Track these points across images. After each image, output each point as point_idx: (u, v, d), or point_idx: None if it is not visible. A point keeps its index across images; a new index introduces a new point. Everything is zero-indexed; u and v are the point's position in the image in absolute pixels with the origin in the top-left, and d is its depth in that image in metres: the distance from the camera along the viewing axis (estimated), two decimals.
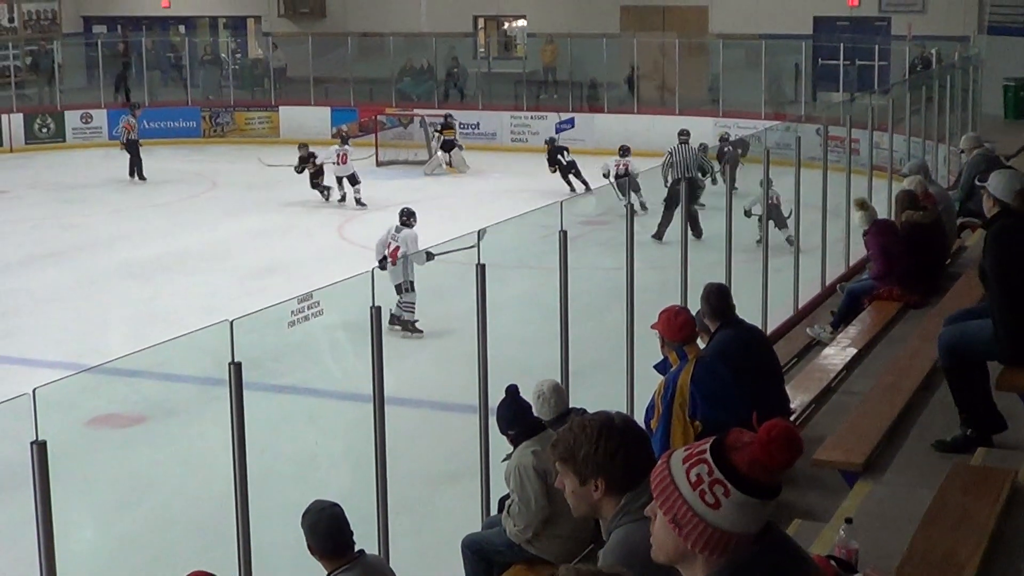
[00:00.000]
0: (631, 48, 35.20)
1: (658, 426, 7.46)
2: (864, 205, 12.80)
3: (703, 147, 23.66)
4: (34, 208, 26.79)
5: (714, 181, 21.95)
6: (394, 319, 15.97)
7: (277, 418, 12.69)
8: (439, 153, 30.71)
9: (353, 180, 26.13)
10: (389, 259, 16.85)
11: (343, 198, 26.24)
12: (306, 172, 26.78)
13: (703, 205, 20.21)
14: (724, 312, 8.60)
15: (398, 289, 16.19)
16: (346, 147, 26.69)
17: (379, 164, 31.24)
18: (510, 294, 13.64)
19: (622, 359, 10.82)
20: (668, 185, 20.72)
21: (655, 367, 7.84)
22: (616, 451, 4.07)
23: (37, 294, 19.73)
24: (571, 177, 27.03)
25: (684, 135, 23.63)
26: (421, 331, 16.15)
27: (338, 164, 26.22)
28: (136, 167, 29.92)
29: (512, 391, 8.01)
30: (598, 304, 13.59)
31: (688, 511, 3.04)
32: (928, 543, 5.80)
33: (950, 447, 7.55)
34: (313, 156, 26.87)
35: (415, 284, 16.26)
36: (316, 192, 26.55)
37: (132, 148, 30.15)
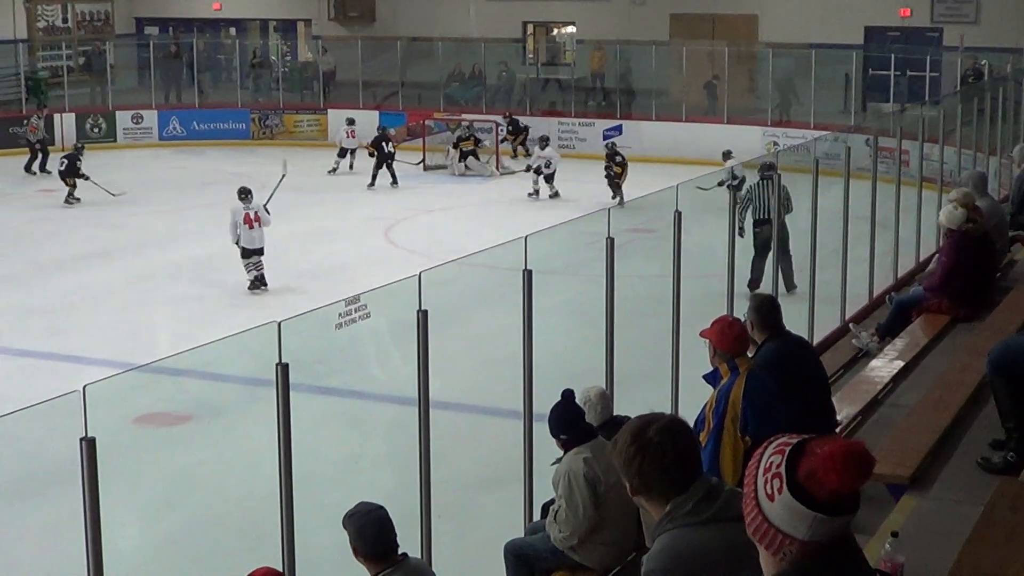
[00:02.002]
0: (680, 56, 35.15)
1: (708, 440, 7.35)
2: (966, 203, 12.20)
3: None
4: (85, 207, 26.98)
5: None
6: (259, 281, 19.73)
7: (320, 420, 12.72)
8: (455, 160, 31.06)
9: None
10: (246, 225, 19.85)
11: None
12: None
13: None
14: (774, 324, 8.53)
15: (261, 250, 19.78)
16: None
17: (426, 168, 31.33)
18: (556, 300, 13.64)
19: (667, 367, 10.80)
20: (743, 226, 16.87)
21: (704, 377, 7.78)
22: (650, 459, 4.02)
23: (87, 293, 19.88)
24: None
25: (768, 170, 17.58)
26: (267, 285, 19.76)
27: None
28: (38, 163, 31.35)
29: (568, 396, 7.97)
30: (643, 312, 13.58)
31: (753, 493, 3.03)
32: (975, 559, 5.75)
33: (994, 468, 7.50)
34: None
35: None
36: (364, 194, 26.57)
37: (42, 146, 31.51)
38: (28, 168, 31.57)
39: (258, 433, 9.91)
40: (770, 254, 14.99)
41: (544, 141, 28.58)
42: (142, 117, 36.09)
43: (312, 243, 23.36)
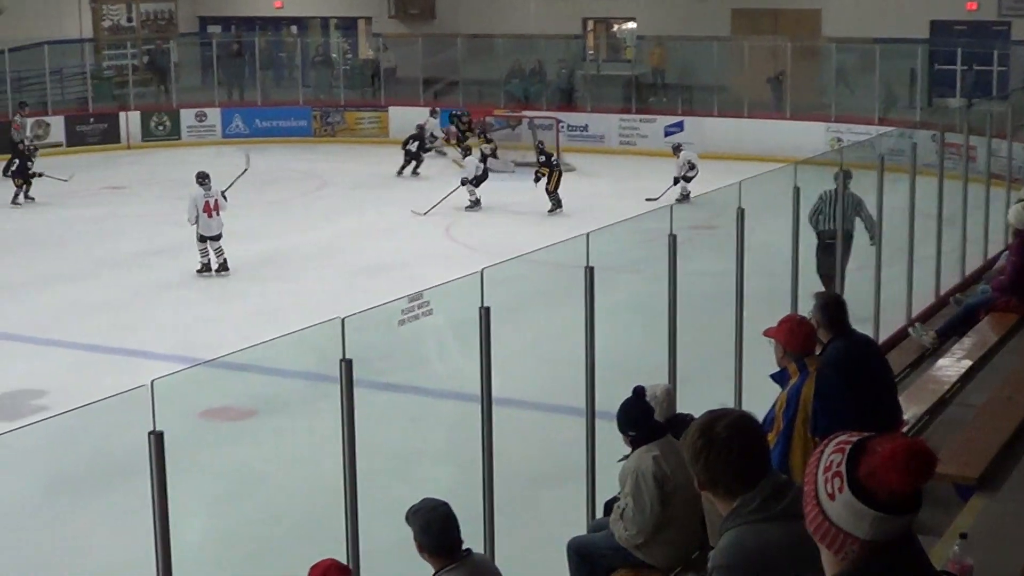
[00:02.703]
0: (742, 51, 35.00)
1: (777, 441, 7.30)
2: None
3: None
4: (150, 204, 27.20)
5: (872, 240, 14.46)
6: (206, 268, 20.63)
7: (383, 416, 12.76)
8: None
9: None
10: (205, 213, 20.63)
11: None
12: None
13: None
14: (840, 323, 8.47)
15: (220, 236, 20.57)
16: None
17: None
18: (617, 297, 13.61)
19: (730, 365, 10.77)
20: (817, 236, 15.60)
21: (772, 377, 7.73)
22: (717, 454, 4.02)
23: (152, 288, 20.05)
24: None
25: (848, 177, 15.04)
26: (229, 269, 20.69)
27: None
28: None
29: (639, 392, 7.95)
30: (706, 309, 13.52)
31: (814, 492, 3.02)
32: None
33: None
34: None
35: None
36: (425, 191, 26.59)
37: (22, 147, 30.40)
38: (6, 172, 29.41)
39: (321, 428, 9.95)
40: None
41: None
42: (205, 115, 36.35)
43: (374, 240, 23.45)
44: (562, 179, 26.20)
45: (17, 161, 27.36)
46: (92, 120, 35.39)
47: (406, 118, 34.92)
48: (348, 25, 43.73)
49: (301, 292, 19.39)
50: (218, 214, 20.73)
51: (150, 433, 5.71)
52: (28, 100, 35.13)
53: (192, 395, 12.13)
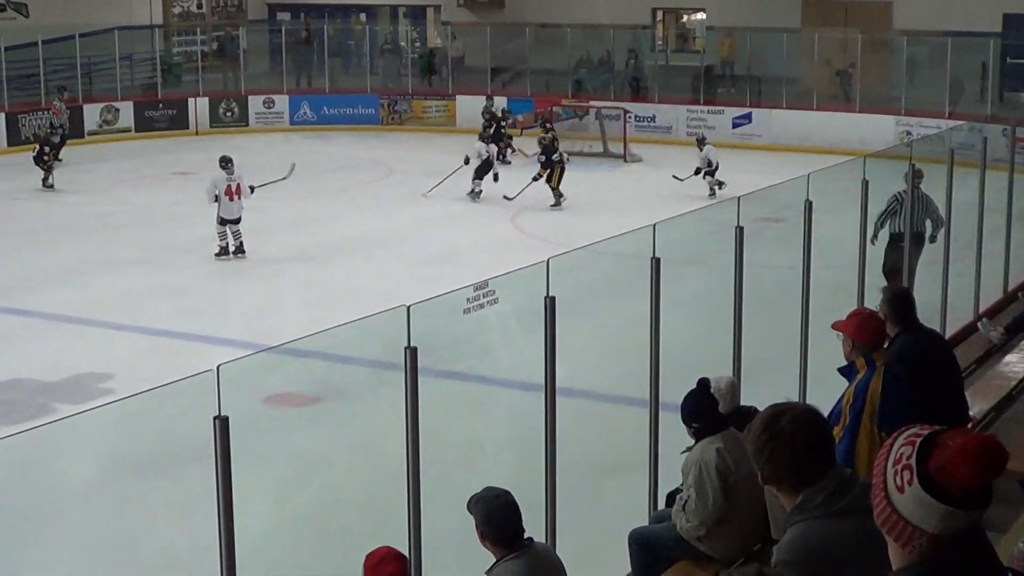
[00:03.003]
0: (812, 43, 34.78)
1: (843, 435, 7.24)
2: None
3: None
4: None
5: (932, 238, 14.81)
6: (224, 251, 20.76)
7: (445, 403, 12.79)
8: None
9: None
10: (226, 196, 20.77)
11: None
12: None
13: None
14: (907, 317, 8.41)
15: (239, 220, 20.76)
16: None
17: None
18: (683, 289, 13.57)
19: (794, 359, 10.72)
20: (875, 235, 14.65)
21: (840, 371, 7.67)
22: (781, 447, 3.99)
23: (219, 274, 20.20)
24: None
25: (918, 177, 14.61)
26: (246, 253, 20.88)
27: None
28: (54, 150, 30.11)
29: (704, 384, 7.94)
30: (771, 302, 13.46)
31: (883, 484, 3.00)
32: None
33: None
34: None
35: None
36: (492, 179, 26.56)
37: (63, 132, 30.43)
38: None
39: (385, 416, 9.99)
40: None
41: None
42: (273, 102, 36.54)
43: (440, 228, 23.50)
44: (564, 174, 25.95)
45: (36, 148, 27.39)
46: (161, 106, 35.65)
47: (473, 107, 34.98)
48: (417, 13, 43.83)
49: (367, 279, 19.46)
50: (239, 197, 20.99)
51: (215, 418, 5.74)
52: (97, 86, 35.51)
53: (257, 380, 12.20)
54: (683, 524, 7.82)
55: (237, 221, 21.02)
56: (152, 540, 10.79)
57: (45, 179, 27.05)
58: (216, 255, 20.99)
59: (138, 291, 19.13)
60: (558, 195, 25.60)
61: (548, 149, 26.03)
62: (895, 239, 14.82)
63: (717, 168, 26.33)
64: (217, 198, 21.05)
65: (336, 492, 11.61)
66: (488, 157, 26.43)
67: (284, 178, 22.30)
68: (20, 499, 11.00)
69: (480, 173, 26.23)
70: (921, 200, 14.53)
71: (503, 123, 30.99)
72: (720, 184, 26.04)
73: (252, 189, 21.29)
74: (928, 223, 14.70)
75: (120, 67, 35.88)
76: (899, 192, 14.67)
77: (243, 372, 6.21)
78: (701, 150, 26.64)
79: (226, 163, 21.31)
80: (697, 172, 26.44)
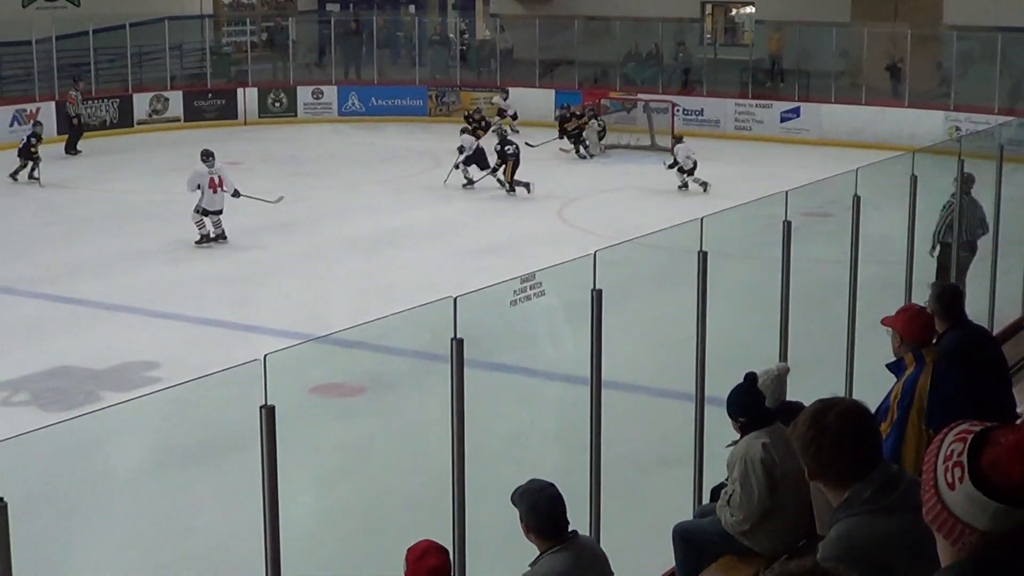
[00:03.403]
0: (861, 38, 34.59)
1: (890, 432, 7.21)
2: None
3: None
4: (265, 180, 27.41)
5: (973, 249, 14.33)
6: (205, 238, 21.08)
7: (491, 395, 12.79)
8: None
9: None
10: (210, 189, 21.22)
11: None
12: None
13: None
14: (956, 313, 8.36)
15: (221, 211, 21.14)
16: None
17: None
18: (730, 283, 13.54)
19: (841, 354, 10.68)
20: (934, 247, 14.39)
21: (888, 367, 7.64)
22: (828, 443, 3.97)
23: (266, 264, 20.27)
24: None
25: (969, 182, 14.08)
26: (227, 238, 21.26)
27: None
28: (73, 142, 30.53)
29: (751, 378, 7.92)
30: (818, 297, 13.40)
31: (933, 480, 2.98)
32: None
33: None
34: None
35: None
36: (538, 172, 26.54)
37: (79, 122, 30.81)
38: (68, 149, 30.53)
39: (430, 407, 10.01)
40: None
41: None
42: (322, 92, 36.65)
43: (486, 220, 23.52)
44: (518, 166, 25.98)
45: (24, 139, 27.24)
46: (210, 96, 35.83)
47: (522, 99, 34.99)
48: (466, 5, 43.88)
49: (413, 270, 19.49)
50: (222, 189, 21.50)
51: (261, 407, 5.76)
52: (147, 75, 35.69)
53: (303, 371, 12.25)
54: (727, 519, 7.80)
55: (219, 212, 21.51)
56: (197, 528, 10.84)
57: (32, 172, 26.72)
58: (196, 243, 21.31)
59: (186, 280, 19.24)
60: (511, 187, 25.72)
61: (502, 141, 26.05)
62: (946, 247, 14.27)
63: (696, 167, 26.20)
64: (200, 189, 21.47)
65: (380, 483, 11.64)
66: (477, 148, 26.65)
67: (271, 201, 22.68)
68: (67, 486, 11.08)
69: (469, 162, 26.41)
70: (971, 206, 14.16)
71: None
72: (705, 185, 25.93)
73: (238, 193, 21.81)
74: (979, 230, 14.33)
75: (170, 57, 36.08)
76: (949, 203, 14.24)
77: (289, 362, 6.23)
78: (672, 150, 26.61)
79: (207, 156, 21.77)
80: (673, 166, 26.34)
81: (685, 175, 26.12)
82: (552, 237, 21.60)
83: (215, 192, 21.35)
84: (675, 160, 26.28)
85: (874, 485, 3.94)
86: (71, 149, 30.46)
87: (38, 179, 26.64)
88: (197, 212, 21.38)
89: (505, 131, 26.82)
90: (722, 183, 26.20)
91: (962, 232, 13.76)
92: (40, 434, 5.55)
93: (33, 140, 26.64)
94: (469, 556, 7.12)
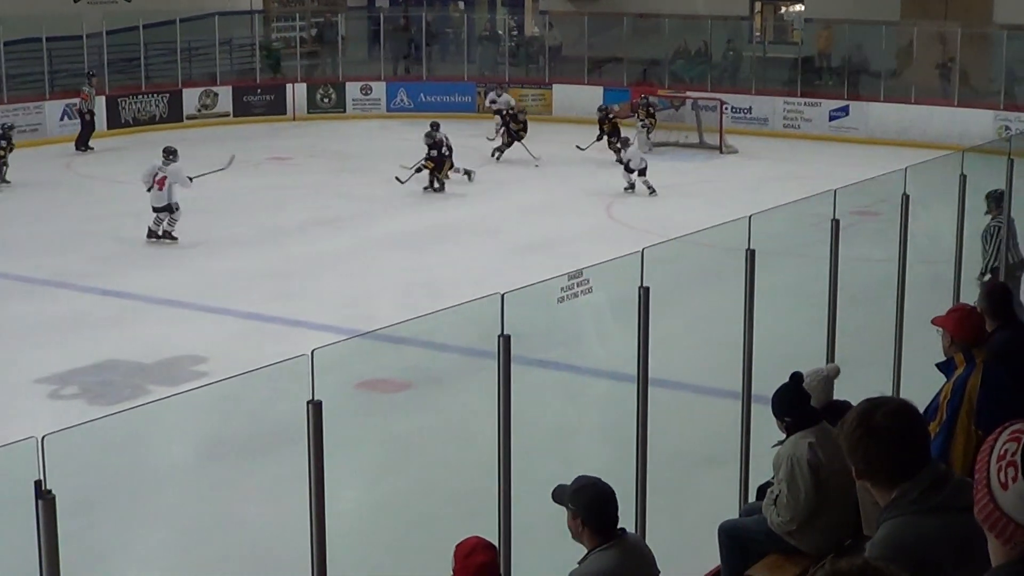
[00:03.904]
0: (911, 37, 34.38)
1: (939, 432, 7.17)
2: None
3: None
4: (314, 176, 27.58)
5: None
6: (152, 233, 21.14)
7: (538, 392, 12.80)
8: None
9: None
10: (156, 185, 21.17)
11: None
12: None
13: None
14: (1006, 313, 8.30)
15: (167, 208, 21.13)
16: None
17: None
18: (777, 281, 13.50)
19: (889, 353, 10.63)
20: (984, 273, 13.59)
21: (938, 366, 7.60)
22: (876, 443, 3.95)
23: (313, 259, 20.32)
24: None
25: (998, 202, 13.37)
26: (176, 238, 21.20)
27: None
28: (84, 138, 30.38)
29: (797, 378, 7.89)
30: (866, 296, 13.36)
31: (985, 480, 2.96)
32: None
33: None
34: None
35: (179, 205, 21.28)
36: (586, 168, 26.55)
37: (91, 118, 30.57)
38: (79, 146, 30.45)
39: (476, 403, 10.02)
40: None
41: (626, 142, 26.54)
42: (371, 88, 36.73)
43: (534, 216, 23.49)
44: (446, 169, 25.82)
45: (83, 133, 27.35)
46: (259, 91, 35.99)
47: (570, 96, 34.97)
48: (515, 2, 43.85)
49: (461, 267, 19.51)
50: (162, 189, 21.28)
51: (309, 402, 5.78)
52: (197, 70, 35.88)
53: (350, 366, 12.28)
54: (774, 518, 7.78)
55: (163, 209, 21.34)
56: (243, 523, 10.89)
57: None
58: (147, 236, 21.39)
59: (233, 275, 19.32)
60: (436, 184, 25.60)
61: (436, 144, 25.85)
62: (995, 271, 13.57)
63: (646, 169, 25.51)
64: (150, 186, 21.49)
65: (426, 479, 11.66)
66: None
67: (223, 168, 22.62)
68: (113, 480, 11.16)
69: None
70: (1012, 227, 13.57)
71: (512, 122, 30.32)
72: (653, 190, 25.36)
73: (191, 180, 21.68)
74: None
75: (219, 52, 36.25)
76: (989, 225, 13.65)
77: (337, 357, 6.24)
78: (625, 151, 26.01)
79: (167, 155, 21.69)
80: (622, 163, 25.87)
81: (634, 175, 25.53)
82: (600, 234, 21.59)
83: (160, 190, 21.28)
84: (625, 160, 25.74)
85: (922, 485, 3.92)
86: (82, 146, 30.44)
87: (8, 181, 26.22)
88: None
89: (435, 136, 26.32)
90: (768, 181, 26.12)
91: (1008, 255, 13.33)
92: (87, 427, 5.58)
93: (3, 143, 26.32)
94: (515, 553, 7.13)
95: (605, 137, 29.29)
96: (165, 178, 21.34)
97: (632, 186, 25.56)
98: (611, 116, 29.92)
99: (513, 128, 29.57)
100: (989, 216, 13.62)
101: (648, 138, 30.52)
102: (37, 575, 5.10)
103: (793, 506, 7.66)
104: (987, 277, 13.33)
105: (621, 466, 8.08)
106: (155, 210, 21.35)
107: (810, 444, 7.60)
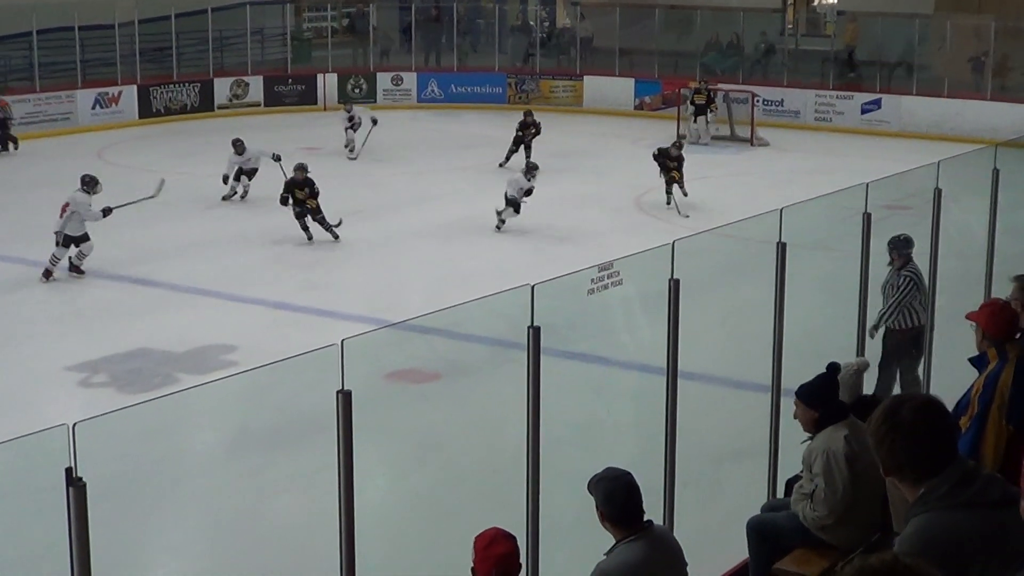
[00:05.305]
0: (944, 30, 34.21)
1: (970, 426, 7.13)
2: None
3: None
4: (344, 166, 27.60)
5: None
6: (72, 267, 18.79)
7: (566, 384, 12.78)
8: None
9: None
10: (61, 211, 18.75)
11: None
12: None
13: None
14: None
15: (66, 240, 18.67)
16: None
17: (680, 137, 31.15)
18: (808, 275, 13.46)
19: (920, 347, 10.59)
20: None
21: (971, 361, 7.57)
22: (903, 438, 3.93)
23: (343, 249, 20.37)
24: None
25: (903, 247, 12.16)
26: (83, 272, 18.81)
27: None
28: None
29: (834, 368, 7.86)
30: None
31: None
32: None
33: None
34: None
35: (88, 235, 18.90)
36: (617, 161, 26.48)
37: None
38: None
39: (505, 394, 10.01)
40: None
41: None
42: (402, 79, 36.76)
43: (564, 207, 23.45)
44: None
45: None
46: (290, 81, 36.05)
47: (601, 88, 34.90)
48: None
49: (491, 258, 19.52)
50: (61, 217, 18.92)
51: (338, 392, 5.79)
52: (228, 60, 35.93)
53: (380, 356, 12.31)
54: (809, 513, 7.76)
55: (75, 241, 18.93)
56: (272, 511, 10.93)
57: None
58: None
59: (264, 265, 19.37)
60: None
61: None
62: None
63: (519, 209, 22.01)
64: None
65: (455, 469, 11.67)
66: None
67: (151, 196, 20.47)
68: (144, 467, 11.20)
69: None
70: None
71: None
72: (501, 225, 21.97)
73: (110, 210, 19.44)
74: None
75: (251, 42, 36.30)
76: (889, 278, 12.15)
77: (366, 347, 6.25)
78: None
79: (83, 183, 19.57)
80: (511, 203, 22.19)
81: (504, 211, 22.11)
82: (630, 226, 21.56)
83: (61, 216, 19.00)
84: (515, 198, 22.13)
85: (950, 481, 3.90)
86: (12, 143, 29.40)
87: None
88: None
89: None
90: (800, 174, 26.05)
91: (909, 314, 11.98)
92: (118, 415, 5.61)
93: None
94: (543, 544, 7.13)
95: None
96: (67, 206, 19.06)
97: (502, 222, 22.06)
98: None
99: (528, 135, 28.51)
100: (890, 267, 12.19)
101: (708, 128, 30.55)
102: (68, 561, 5.12)
103: (831, 500, 7.63)
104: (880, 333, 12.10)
105: (650, 459, 8.08)
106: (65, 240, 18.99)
107: (845, 437, 7.58)
